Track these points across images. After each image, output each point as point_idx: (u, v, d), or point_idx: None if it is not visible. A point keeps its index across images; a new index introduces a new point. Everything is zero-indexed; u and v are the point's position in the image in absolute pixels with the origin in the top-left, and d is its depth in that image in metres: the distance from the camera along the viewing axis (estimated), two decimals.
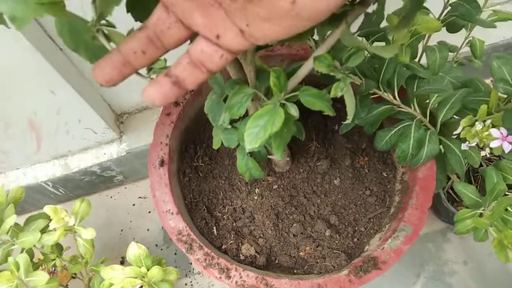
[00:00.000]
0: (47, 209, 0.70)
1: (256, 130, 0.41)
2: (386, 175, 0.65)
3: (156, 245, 1.12)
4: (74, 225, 0.72)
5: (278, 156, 0.48)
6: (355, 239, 0.60)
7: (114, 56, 0.29)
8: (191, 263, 1.11)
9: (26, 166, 1.04)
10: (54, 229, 0.72)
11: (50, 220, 0.78)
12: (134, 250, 0.70)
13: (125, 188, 1.22)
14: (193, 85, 0.30)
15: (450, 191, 1.03)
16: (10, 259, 0.65)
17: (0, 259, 0.73)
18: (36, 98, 0.83)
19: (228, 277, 0.52)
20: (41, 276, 0.64)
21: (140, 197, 1.20)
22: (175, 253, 1.10)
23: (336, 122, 0.70)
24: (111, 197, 1.20)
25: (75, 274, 0.91)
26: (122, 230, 1.15)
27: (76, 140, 1.00)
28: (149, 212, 1.18)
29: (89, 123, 0.96)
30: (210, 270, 0.53)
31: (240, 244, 0.59)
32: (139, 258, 0.70)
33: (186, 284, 1.08)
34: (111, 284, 0.71)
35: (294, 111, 0.43)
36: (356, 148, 0.67)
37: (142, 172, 1.16)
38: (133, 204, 1.20)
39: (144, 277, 0.68)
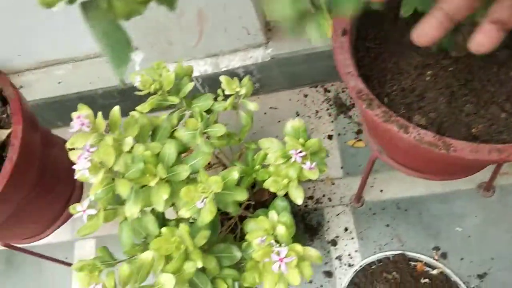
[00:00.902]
0: (223, 79, 0.79)
1: None
2: None
3: None
4: (243, 95, 0.80)
5: None
6: None
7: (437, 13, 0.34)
8: None
9: (184, 60, 1.16)
10: (223, 97, 0.81)
11: (217, 96, 0.87)
12: (294, 123, 0.76)
13: (259, 97, 1.30)
14: None
15: None
16: (195, 109, 0.75)
17: (176, 120, 0.84)
18: None
19: (407, 132, 0.56)
20: (219, 128, 0.73)
21: (272, 107, 1.28)
22: None
23: None
24: None
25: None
26: (254, 133, 1.24)
27: (230, 39, 1.09)
28: (279, 121, 1.26)
29: (247, 22, 1.03)
30: (388, 125, 0.57)
31: (411, 114, 0.62)
32: (298, 130, 0.75)
33: (309, 188, 1.15)
34: (266, 154, 0.78)
35: None
36: None
37: (278, 83, 1.23)
38: (265, 113, 1.28)
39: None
